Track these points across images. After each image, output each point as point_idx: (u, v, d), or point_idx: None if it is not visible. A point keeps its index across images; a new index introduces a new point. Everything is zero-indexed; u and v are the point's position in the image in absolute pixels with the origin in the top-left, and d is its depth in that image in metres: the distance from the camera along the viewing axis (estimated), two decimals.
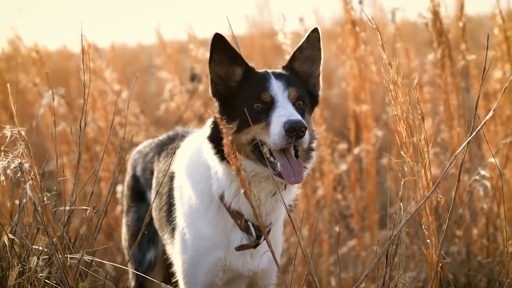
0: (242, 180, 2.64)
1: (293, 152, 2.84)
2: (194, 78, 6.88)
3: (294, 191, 3.10)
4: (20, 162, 2.68)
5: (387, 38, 5.01)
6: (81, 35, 2.99)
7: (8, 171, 2.65)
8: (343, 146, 5.36)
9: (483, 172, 3.93)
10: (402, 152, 2.91)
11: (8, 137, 2.67)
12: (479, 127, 2.78)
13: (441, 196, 2.98)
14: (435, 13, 4.43)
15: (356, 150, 5.25)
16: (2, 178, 2.62)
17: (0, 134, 2.69)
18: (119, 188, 4.87)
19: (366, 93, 4.94)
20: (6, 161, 2.64)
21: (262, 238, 3.02)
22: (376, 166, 5.05)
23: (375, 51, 4.82)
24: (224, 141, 2.60)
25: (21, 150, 2.67)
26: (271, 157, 2.80)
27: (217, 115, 2.95)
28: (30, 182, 2.68)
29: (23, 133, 2.68)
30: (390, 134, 5.15)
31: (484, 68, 2.77)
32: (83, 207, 2.97)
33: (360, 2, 4.90)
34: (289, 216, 2.82)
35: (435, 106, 5.19)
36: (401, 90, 2.87)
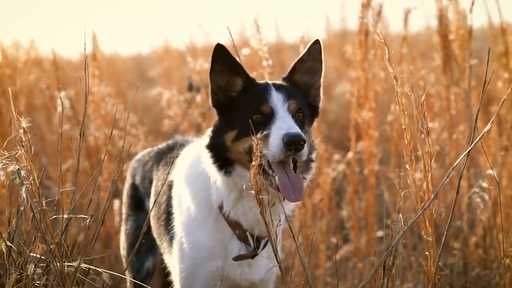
0: (259, 201, 2.63)
1: (291, 165, 2.84)
2: (191, 88, 6.89)
3: None
4: (18, 168, 2.68)
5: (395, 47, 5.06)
6: (84, 43, 3.00)
7: (2, 175, 2.65)
8: (340, 153, 5.38)
9: (483, 184, 3.96)
10: (407, 166, 2.92)
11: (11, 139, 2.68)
12: (477, 139, 2.80)
13: (442, 209, 2.98)
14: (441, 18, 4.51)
15: (351, 153, 5.24)
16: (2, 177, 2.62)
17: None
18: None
19: (370, 102, 4.97)
20: (2, 163, 2.64)
21: (260, 248, 3.02)
22: (375, 177, 5.05)
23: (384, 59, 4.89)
24: (253, 163, 2.58)
25: (20, 152, 2.66)
26: (269, 170, 2.81)
27: (217, 126, 2.99)
28: (29, 186, 2.68)
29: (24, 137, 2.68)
30: (390, 145, 5.17)
31: (485, 82, 2.79)
32: (81, 216, 2.97)
33: (379, 14, 4.93)
34: (290, 228, 2.82)
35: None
36: (408, 102, 2.90)
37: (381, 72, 4.96)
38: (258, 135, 2.60)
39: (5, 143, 2.82)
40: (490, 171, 4.03)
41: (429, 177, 2.89)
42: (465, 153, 2.76)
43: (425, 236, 2.96)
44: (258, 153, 2.58)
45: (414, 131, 2.90)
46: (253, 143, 2.76)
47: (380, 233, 5.25)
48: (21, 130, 2.66)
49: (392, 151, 5.10)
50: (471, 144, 2.76)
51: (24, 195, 2.69)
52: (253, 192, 2.62)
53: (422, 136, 2.87)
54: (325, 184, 4.92)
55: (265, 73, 4.40)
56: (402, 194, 2.89)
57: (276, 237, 2.96)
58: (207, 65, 5.64)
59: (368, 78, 4.93)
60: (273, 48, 8.57)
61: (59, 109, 4.89)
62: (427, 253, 2.95)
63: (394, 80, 2.86)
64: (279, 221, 2.95)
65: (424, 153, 2.89)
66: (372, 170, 4.99)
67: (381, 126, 5.26)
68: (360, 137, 5.11)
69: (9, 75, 5.24)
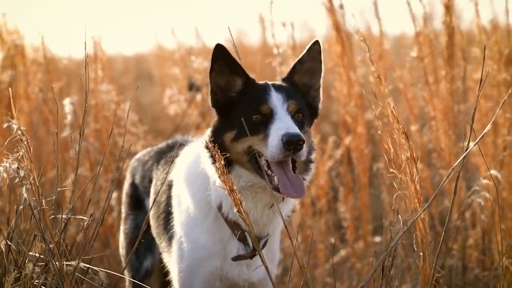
0: (235, 199, 2.66)
1: (290, 165, 2.85)
2: (192, 87, 6.90)
3: (292, 202, 3.11)
4: (18, 166, 2.69)
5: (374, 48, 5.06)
6: (85, 43, 3.00)
7: (5, 174, 2.66)
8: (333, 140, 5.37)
9: (476, 187, 3.97)
10: (391, 169, 2.93)
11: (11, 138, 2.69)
12: (475, 142, 2.80)
13: (426, 217, 2.98)
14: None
15: (346, 141, 5.23)
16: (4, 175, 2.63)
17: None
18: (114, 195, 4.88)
19: (354, 99, 4.95)
20: (5, 164, 2.66)
21: (259, 248, 3.02)
22: (369, 176, 5.03)
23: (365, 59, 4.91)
24: (216, 164, 2.64)
25: (21, 153, 2.67)
26: (269, 170, 2.82)
27: (216, 126, 2.99)
28: (28, 186, 2.69)
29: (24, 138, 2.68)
30: (381, 144, 5.14)
31: (481, 81, 2.79)
32: (80, 217, 2.98)
33: (341, 7, 4.92)
34: (286, 229, 2.82)
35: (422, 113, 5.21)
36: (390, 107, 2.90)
37: (362, 69, 4.96)
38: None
39: (6, 142, 2.83)
40: (488, 172, 4.03)
41: (416, 180, 2.89)
42: (464, 154, 2.77)
43: (418, 239, 2.96)
44: (218, 154, 2.63)
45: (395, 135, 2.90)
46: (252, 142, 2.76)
47: (376, 234, 5.25)
48: (19, 131, 2.67)
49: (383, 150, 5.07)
50: (468, 146, 2.76)
51: (25, 194, 2.70)
52: (248, 192, 2.64)
53: (403, 141, 2.87)
54: (321, 178, 4.91)
55: (275, 62, 4.37)
56: (395, 195, 2.90)
57: (259, 238, 2.97)
58: (207, 64, 5.65)
59: (349, 74, 4.90)
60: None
61: (68, 117, 4.89)
62: (421, 253, 2.95)
63: (378, 79, 2.86)
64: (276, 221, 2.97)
65: (406, 158, 2.89)
66: (364, 169, 4.96)
67: (371, 123, 5.23)
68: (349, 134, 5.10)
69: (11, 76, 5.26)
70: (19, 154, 2.69)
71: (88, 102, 4.96)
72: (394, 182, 2.93)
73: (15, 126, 2.68)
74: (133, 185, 3.81)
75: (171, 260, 3.19)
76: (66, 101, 5.00)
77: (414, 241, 2.92)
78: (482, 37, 4.69)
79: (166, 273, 3.32)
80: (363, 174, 4.96)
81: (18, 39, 5.49)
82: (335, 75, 5.08)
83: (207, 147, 2.93)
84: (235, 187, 2.67)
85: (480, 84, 2.80)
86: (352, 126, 4.98)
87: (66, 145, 5.22)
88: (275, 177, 2.79)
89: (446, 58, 4.60)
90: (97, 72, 5.26)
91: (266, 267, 2.76)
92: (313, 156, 3.06)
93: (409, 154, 2.88)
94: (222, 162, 2.64)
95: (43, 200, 2.78)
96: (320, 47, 3.07)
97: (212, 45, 2.93)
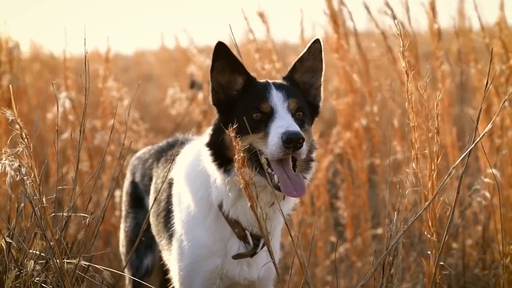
0: (249, 195, 2.65)
1: (291, 164, 2.85)
2: (193, 85, 6.90)
3: (293, 200, 3.11)
4: (19, 164, 2.69)
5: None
6: (84, 39, 3.00)
7: (8, 169, 2.66)
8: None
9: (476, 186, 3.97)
10: (412, 164, 2.93)
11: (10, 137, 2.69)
12: (478, 140, 2.80)
13: (448, 206, 2.98)
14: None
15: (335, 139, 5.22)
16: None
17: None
18: (117, 193, 4.88)
19: (350, 93, 4.94)
20: (5, 161, 2.66)
21: (259, 247, 3.03)
22: (366, 173, 5.02)
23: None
24: (236, 157, 2.62)
25: (21, 149, 2.67)
26: (269, 169, 2.82)
27: (217, 124, 2.99)
28: (31, 183, 2.70)
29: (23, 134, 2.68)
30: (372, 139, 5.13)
31: (487, 82, 2.79)
32: (81, 214, 2.98)
33: None
34: (287, 227, 2.82)
35: None
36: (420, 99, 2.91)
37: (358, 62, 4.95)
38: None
39: (8, 141, 2.83)
40: (489, 171, 4.03)
41: (434, 176, 2.89)
42: (466, 152, 2.77)
43: (428, 236, 2.95)
44: (239, 146, 2.61)
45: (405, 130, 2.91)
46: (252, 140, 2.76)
47: (375, 231, 5.25)
48: (17, 126, 2.67)
49: (374, 143, 5.05)
50: (470, 144, 2.76)
51: (27, 186, 2.70)
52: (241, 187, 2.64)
53: (430, 134, 2.87)
54: (320, 175, 4.90)
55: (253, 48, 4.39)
56: (408, 190, 2.89)
57: (260, 236, 2.97)
58: (208, 62, 5.65)
59: (345, 67, 4.87)
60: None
61: (60, 109, 4.90)
62: (429, 252, 2.95)
63: (406, 75, 2.86)
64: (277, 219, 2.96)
65: (431, 152, 2.89)
66: (362, 166, 4.94)
67: (367, 118, 5.23)
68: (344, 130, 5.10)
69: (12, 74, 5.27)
70: (19, 150, 2.68)
71: (97, 99, 4.98)
72: (410, 177, 2.93)
73: (11, 118, 2.68)
74: (133, 183, 3.80)
75: (171, 258, 3.19)
76: (62, 95, 5.01)
77: (414, 240, 2.92)
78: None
79: (166, 271, 3.32)
80: (361, 171, 4.94)
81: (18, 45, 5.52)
82: (331, 69, 5.06)
83: (212, 146, 2.93)
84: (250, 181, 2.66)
85: (486, 85, 2.80)
86: (345, 121, 4.96)
87: (70, 143, 5.22)
88: (275, 176, 2.79)
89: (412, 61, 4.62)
90: (108, 71, 5.26)
91: (275, 263, 2.77)
92: (313, 155, 3.06)
93: (435, 150, 2.89)
94: (242, 154, 2.63)
95: (44, 198, 2.77)
96: (320, 46, 3.06)
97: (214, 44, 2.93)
